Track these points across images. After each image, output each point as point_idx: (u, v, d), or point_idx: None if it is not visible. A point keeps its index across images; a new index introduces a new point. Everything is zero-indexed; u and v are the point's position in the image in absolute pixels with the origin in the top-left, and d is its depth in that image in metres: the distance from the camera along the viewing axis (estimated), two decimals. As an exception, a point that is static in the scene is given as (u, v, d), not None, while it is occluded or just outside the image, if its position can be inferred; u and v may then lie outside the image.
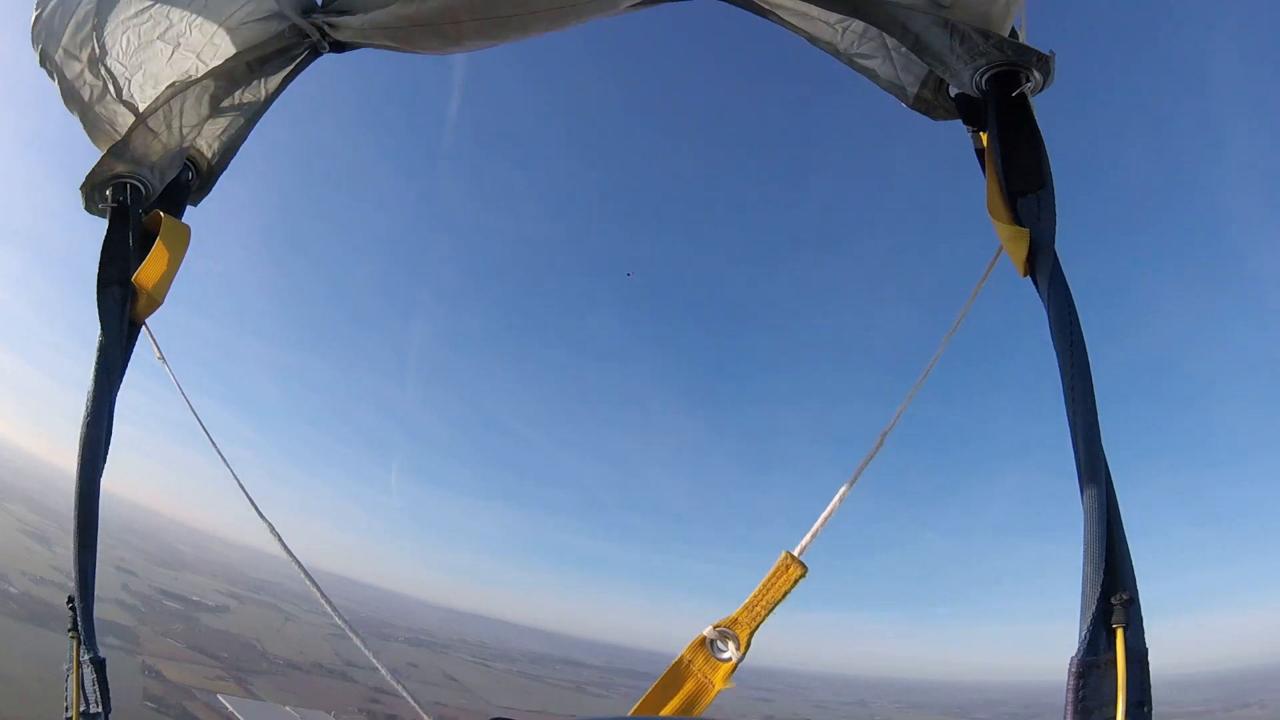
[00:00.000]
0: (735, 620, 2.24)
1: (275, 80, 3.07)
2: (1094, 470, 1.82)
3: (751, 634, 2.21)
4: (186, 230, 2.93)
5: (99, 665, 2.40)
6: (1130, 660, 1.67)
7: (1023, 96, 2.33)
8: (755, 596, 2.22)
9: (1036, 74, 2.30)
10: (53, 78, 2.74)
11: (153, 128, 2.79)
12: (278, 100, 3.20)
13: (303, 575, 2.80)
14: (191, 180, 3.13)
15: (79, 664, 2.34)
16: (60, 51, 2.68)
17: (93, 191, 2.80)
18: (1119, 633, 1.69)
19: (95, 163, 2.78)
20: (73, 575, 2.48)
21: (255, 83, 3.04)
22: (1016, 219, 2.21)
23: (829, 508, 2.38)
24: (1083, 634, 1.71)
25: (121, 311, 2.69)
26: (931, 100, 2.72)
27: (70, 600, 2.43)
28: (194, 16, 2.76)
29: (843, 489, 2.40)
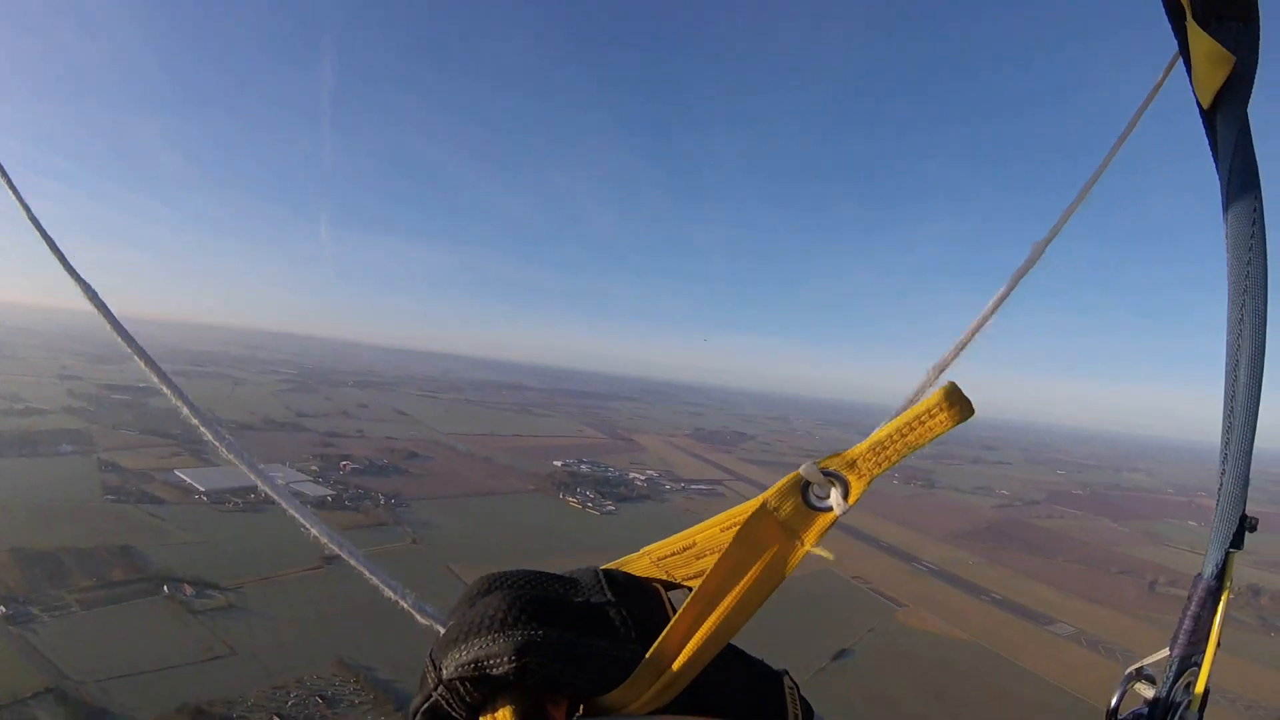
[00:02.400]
0: (852, 461, 1.28)
1: None
2: (1253, 377, 1.50)
3: (871, 481, 1.28)
4: None
5: None
6: (1230, 586, 1.55)
7: None
8: (891, 433, 1.28)
9: None
10: None
11: None
12: None
13: (110, 326, 1.69)
14: None
15: None
16: None
17: None
18: (1233, 557, 1.52)
19: None
20: None
21: None
22: (1218, 32, 1.63)
23: (979, 318, 1.79)
24: (1215, 557, 1.50)
25: None
26: None
27: None
28: None
29: (994, 300, 1.78)
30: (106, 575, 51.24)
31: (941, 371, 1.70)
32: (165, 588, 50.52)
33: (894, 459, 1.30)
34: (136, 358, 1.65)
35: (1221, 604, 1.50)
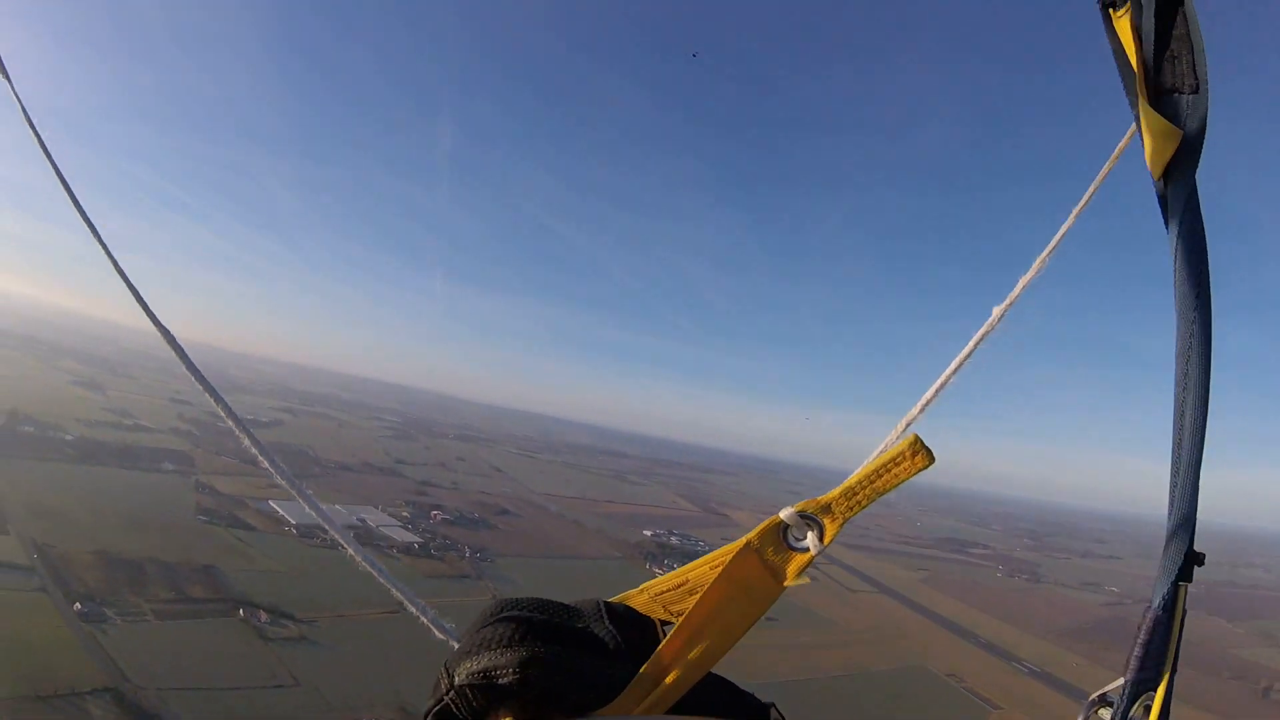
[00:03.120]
0: (827, 505, 1.53)
1: None
2: (1198, 425, 1.68)
3: (843, 525, 1.53)
4: None
5: None
6: (1181, 617, 1.66)
7: None
8: (861, 480, 1.54)
9: None
10: None
11: None
12: None
13: (178, 356, 2.19)
14: None
15: None
16: None
17: None
18: (1182, 589, 1.64)
19: None
20: None
21: None
22: (1164, 110, 1.90)
23: (943, 375, 2.10)
24: (1163, 590, 1.63)
25: None
26: None
27: None
28: None
29: (958, 358, 2.10)
30: (186, 590, 51.11)
31: (908, 425, 1.99)
32: (241, 611, 50.23)
33: (864, 503, 1.51)
34: (188, 372, 2.08)
35: (1174, 633, 1.63)
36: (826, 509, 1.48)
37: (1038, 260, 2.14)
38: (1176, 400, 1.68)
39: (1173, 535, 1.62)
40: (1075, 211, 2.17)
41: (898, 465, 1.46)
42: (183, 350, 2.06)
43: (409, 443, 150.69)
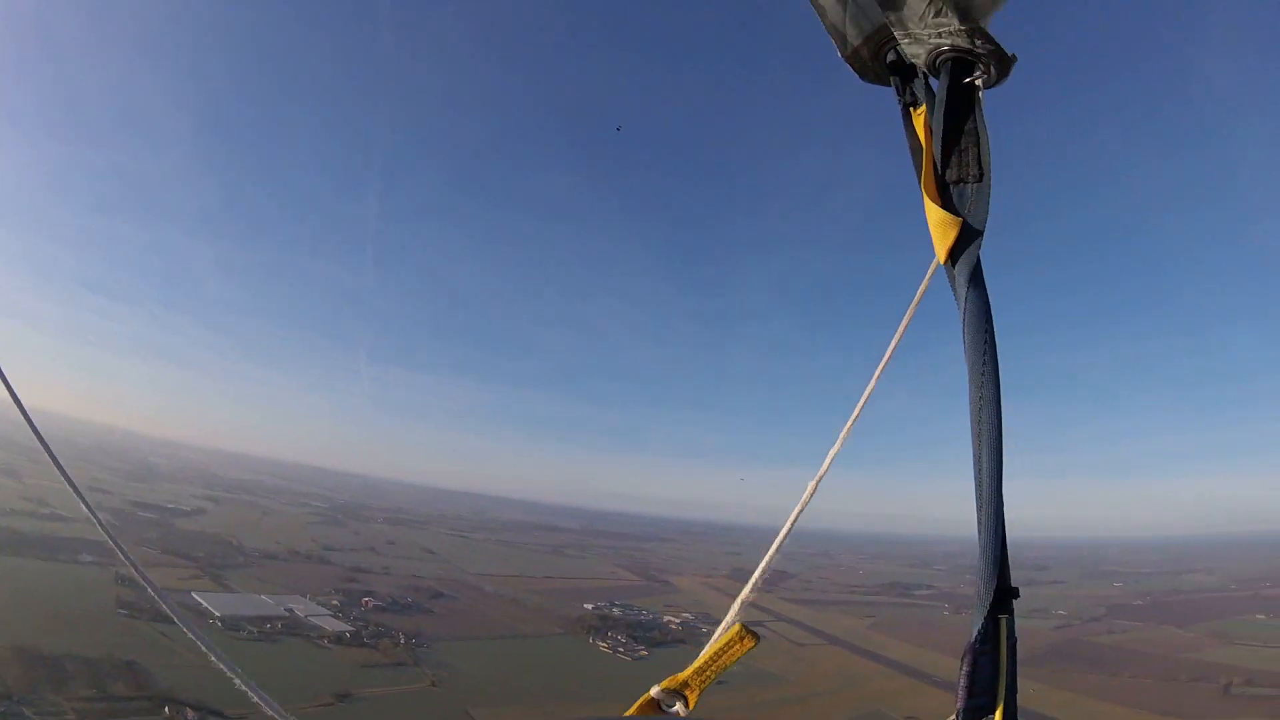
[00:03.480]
0: (685, 682, 2.27)
1: None
2: (994, 472, 1.91)
3: (700, 694, 2.28)
4: None
5: None
6: (1009, 645, 1.91)
7: (974, 87, 2.28)
8: (705, 662, 2.27)
9: (995, 71, 2.23)
10: None
11: None
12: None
13: (36, 438, 2.46)
14: None
15: None
16: None
17: None
18: (1003, 621, 1.91)
19: None
20: None
21: None
22: (946, 205, 2.17)
23: (768, 555, 2.62)
24: (979, 624, 1.88)
25: None
26: (867, 61, 2.56)
27: None
28: None
29: (789, 521, 2.56)
30: (108, 688, 48.72)
31: (819, 482, 2.55)
32: (166, 709, 47.79)
33: (713, 676, 2.29)
34: (43, 449, 2.42)
35: (1002, 661, 1.92)
36: (686, 684, 2.27)
37: (877, 371, 2.67)
38: (974, 457, 1.92)
39: (985, 573, 1.89)
40: (895, 339, 2.61)
41: (732, 647, 2.28)
42: (29, 417, 2.17)
43: (337, 528, 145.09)
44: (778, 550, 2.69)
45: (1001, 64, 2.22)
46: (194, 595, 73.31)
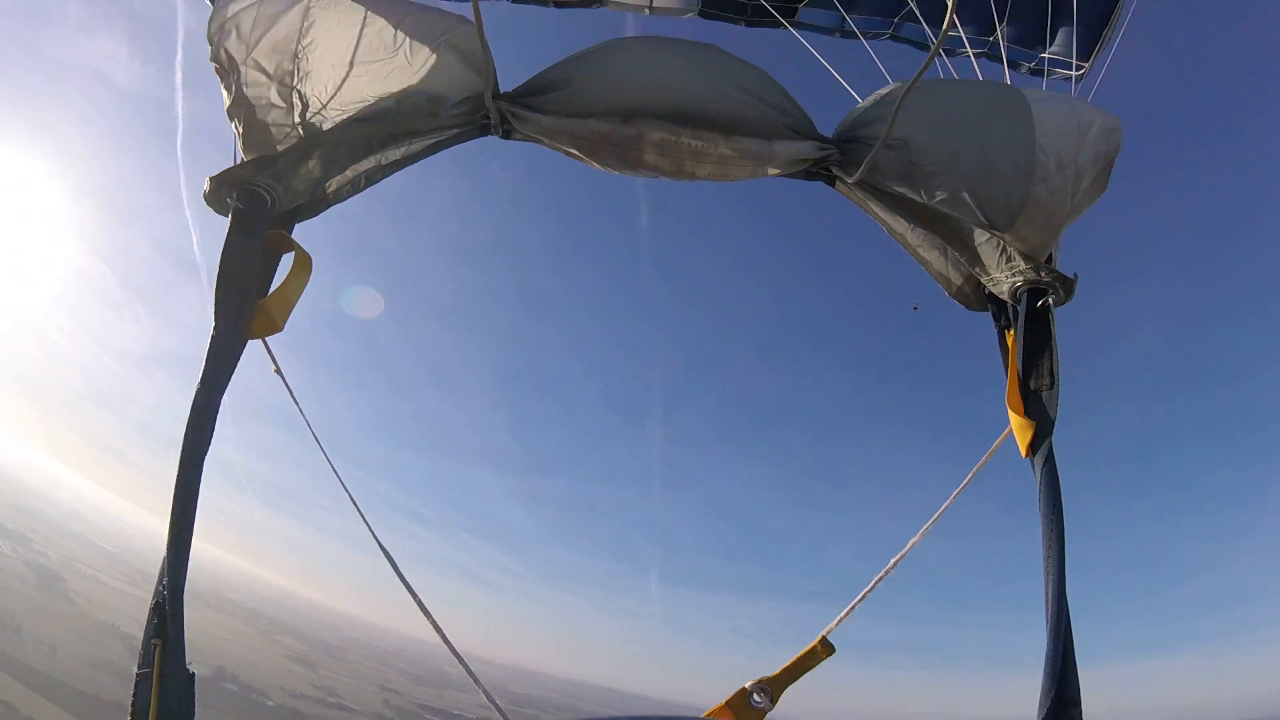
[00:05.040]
0: (774, 679, 2.86)
1: (431, 142, 3.15)
2: (1059, 616, 2.48)
3: (782, 692, 2.88)
4: (310, 261, 2.92)
5: (190, 679, 2.19)
6: None
7: (1047, 308, 3.06)
8: (791, 666, 2.91)
9: (1062, 292, 3.04)
10: (228, 80, 2.80)
11: (309, 154, 2.88)
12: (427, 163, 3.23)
13: (450, 650, 3.00)
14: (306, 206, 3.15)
15: (162, 674, 2.10)
16: (249, 59, 2.81)
17: (222, 187, 2.78)
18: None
19: (239, 163, 2.81)
20: (163, 578, 2.21)
21: (415, 140, 3.14)
22: (1027, 411, 2.90)
23: (861, 594, 3.09)
24: None
25: (237, 322, 2.64)
26: (970, 295, 3.47)
27: (157, 602, 2.18)
28: (388, 62, 2.88)
29: (875, 578, 3.04)
30: None
31: (826, 633, 3.01)
32: None
33: (793, 679, 2.89)
34: (462, 667, 3.05)
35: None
36: (773, 683, 2.83)
37: (927, 524, 3.24)
38: (1045, 595, 2.54)
39: (1046, 685, 2.39)
40: (960, 488, 3.21)
41: (811, 658, 2.89)
42: (443, 633, 2.99)
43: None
44: (883, 578, 3.19)
45: (1067, 285, 3.03)
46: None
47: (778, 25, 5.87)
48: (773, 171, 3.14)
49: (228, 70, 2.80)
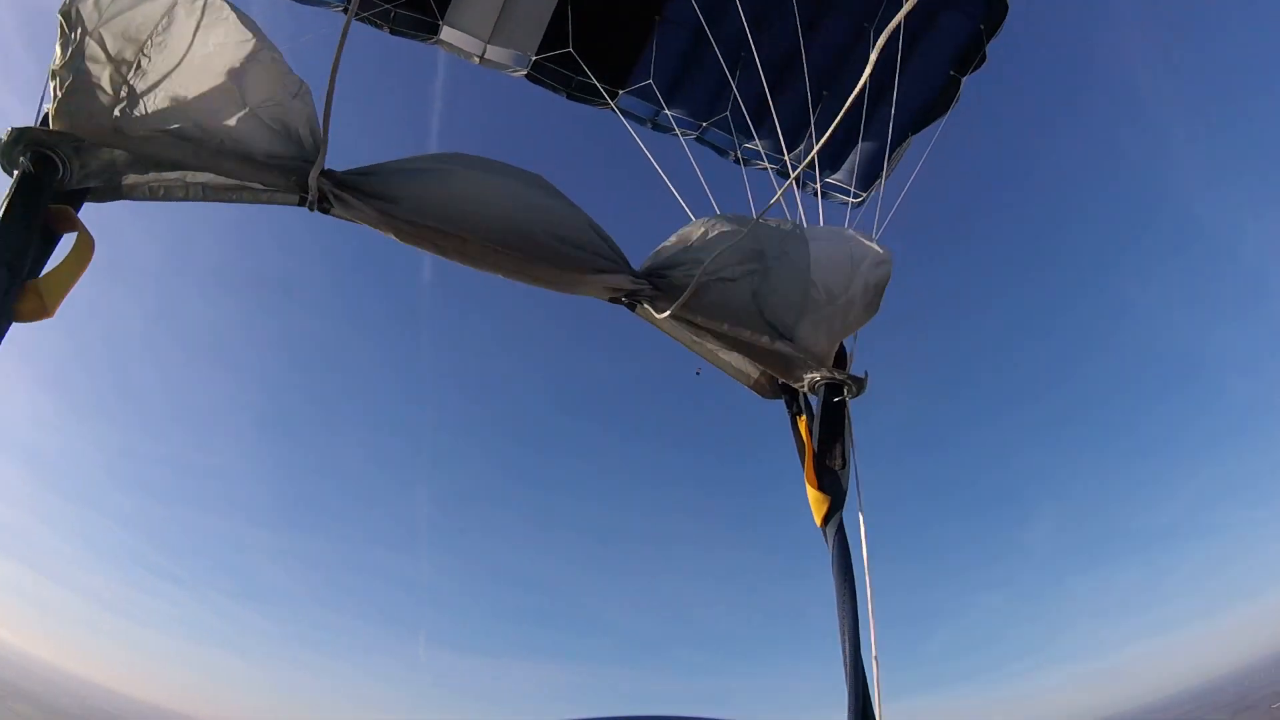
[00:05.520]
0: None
1: (240, 189, 2.99)
2: (857, 676, 2.82)
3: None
4: (93, 245, 2.67)
5: None
6: None
7: (843, 400, 3.60)
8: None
9: (855, 388, 3.62)
10: (65, 40, 2.64)
11: (117, 146, 2.73)
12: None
13: None
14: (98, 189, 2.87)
15: None
16: (96, 32, 2.67)
17: (19, 143, 2.56)
18: None
19: (42, 127, 2.62)
20: None
21: (227, 183, 2.97)
22: (821, 485, 3.37)
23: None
24: None
25: (2, 302, 2.36)
26: (766, 386, 3.97)
27: None
28: (227, 94, 2.79)
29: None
30: None
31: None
32: None
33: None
34: None
35: None
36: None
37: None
38: (841, 645, 2.90)
39: None
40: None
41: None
42: None
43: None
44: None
45: (859, 383, 3.62)
46: None
47: (599, 105, 6.19)
48: (582, 293, 3.45)
49: (69, 30, 2.65)
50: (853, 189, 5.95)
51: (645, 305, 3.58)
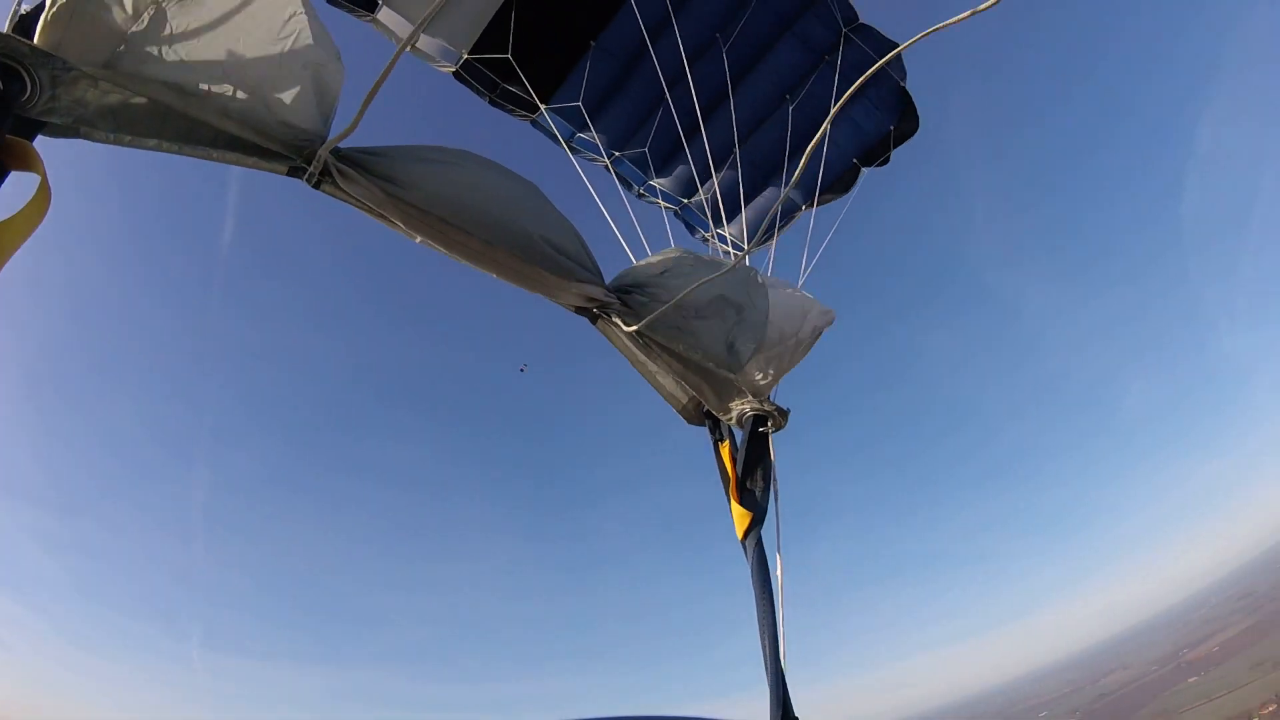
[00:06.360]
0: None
1: (224, 154, 2.67)
2: (778, 683, 3.05)
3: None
4: (49, 194, 2.18)
5: None
6: None
7: (766, 431, 3.97)
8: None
9: (780, 419, 4.02)
10: None
11: (112, 83, 2.33)
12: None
13: None
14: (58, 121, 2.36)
15: None
16: None
17: None
18: None
19: (19, 24, 2.22)
20: None
21: (217, 139, 2.62)
22: (743, 502, 3.67)
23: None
24: None
25: None
26: (692, 412, 4.27)
27: None
28: (259, 44, 2.56)
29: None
30: None
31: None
32: None
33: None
34: None
35: None
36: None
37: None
38: (762, 649, 3.21)
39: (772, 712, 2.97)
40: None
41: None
42: None
43: None
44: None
45: (783, 414, 4.02)
46: None
47: (518, 116, 6.34)
48: (560, 300, 3.58)
49: None
50: (745, 244, 6.43)
51: (613, 319, 3.78)
